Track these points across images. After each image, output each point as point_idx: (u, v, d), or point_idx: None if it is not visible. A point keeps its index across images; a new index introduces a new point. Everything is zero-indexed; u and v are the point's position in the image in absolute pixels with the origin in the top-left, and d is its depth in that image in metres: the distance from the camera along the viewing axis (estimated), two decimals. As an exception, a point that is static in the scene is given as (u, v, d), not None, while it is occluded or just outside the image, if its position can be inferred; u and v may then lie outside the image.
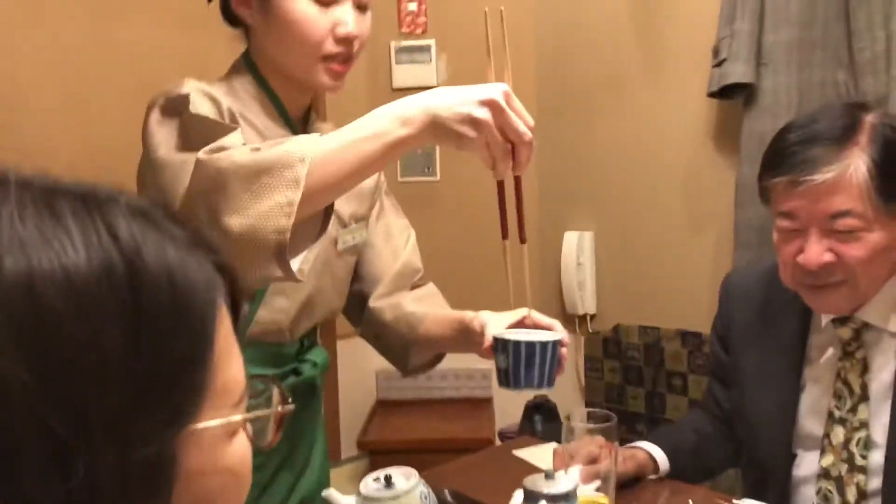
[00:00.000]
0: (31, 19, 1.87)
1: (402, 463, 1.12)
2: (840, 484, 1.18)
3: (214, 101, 1.03)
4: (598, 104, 2.38)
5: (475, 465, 1.41)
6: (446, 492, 1.17)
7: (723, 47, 1.96)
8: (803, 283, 1.18)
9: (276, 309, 1.14)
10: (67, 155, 1.85)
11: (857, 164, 1.10)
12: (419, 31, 2.55)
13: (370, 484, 1.05)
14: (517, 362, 1.03)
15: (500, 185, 0.99)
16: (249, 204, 0.86)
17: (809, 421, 1.24)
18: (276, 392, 0.53)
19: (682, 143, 2.21)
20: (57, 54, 1.90)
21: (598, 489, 1.11)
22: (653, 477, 1.31)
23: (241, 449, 0.48)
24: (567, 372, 2.53)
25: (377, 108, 0.91)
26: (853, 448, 1.18)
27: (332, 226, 1.18)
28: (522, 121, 0.90)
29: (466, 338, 1.14)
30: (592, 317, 2.46)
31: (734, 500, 1.21)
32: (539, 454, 1.39)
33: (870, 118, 1.14)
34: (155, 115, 1.02)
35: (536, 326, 1.10)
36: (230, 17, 1.14)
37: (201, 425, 0.44)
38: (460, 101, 0.89)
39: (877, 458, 1.16)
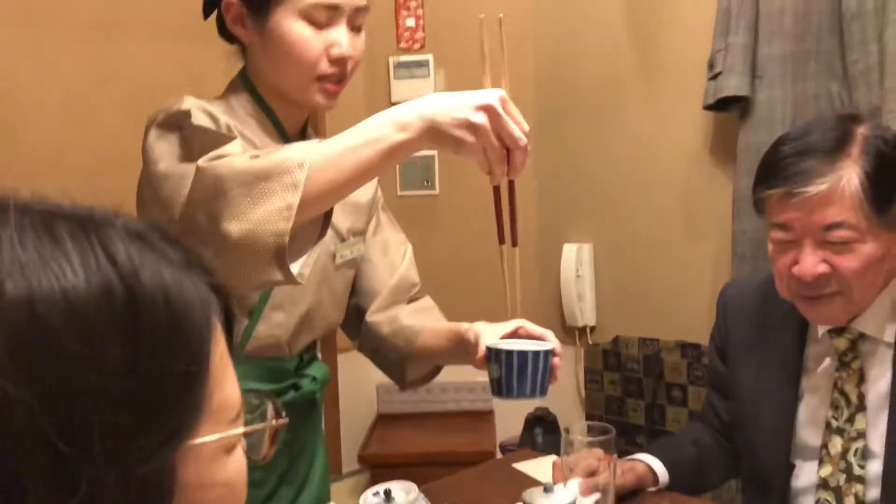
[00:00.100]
0: (30, 37, 1.89)
1: (403, 477, 1.12)
2: (839, 494, 1.19)
3: (213, 118, 1.05)
4: (595, 117, 2.40)
5: (475, 479, 1.41)
6: (446, 505, 1.18)
7: (717, 60, 1.98)
8: (799, 294, 1.19)
9: (275, 324, 1.14)
10: (67, 172, 1.87)
11: (849, 175, 1.11)
12: (417, 46, 2.57)
13: (370, 499, 1.06)
14: (509, 372, 1.04)
15: (497, 190, 1.01)
16: (249, 209, 0.87)
17: (807, 431, 1.24)
18: (270, 407, 0.54)
19: (679, 155, 2.22)
20: (56, 72, 1.92)
21: (597, 502, 1.11)
22: (652, 489, 1.31)
23: (238, 463, 0.49)
24: (567, 384, 2.54)
25: (375, 115, 0.93)
26: (851, 458, 1.18)
27: (330, 240, 1.19)
28: (518, 126, 0.91)
29: (462, 349, 1.15)
30: (592, 329, 2.47)
31: (733, 512, 1.21)
32: (539, 467, 1.40)
33: (861, 130, 1.15)
34: (154, 131, 1.03)
35: (530, 336, 1.11)
36: (227, 35, 1.15)
37: (199, 441, 0.45)
38: (457, 106, 0.90)
39: (875, 467, 1.17)
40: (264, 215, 0.86)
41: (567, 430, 1.16)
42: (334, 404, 2.51)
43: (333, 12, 1.07)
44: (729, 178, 2.07)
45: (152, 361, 0.42)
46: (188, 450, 0.44)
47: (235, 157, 0.92)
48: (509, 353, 1.05)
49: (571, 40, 2.43)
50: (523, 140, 0.92)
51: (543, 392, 1.07)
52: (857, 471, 1.18)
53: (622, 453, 1.30)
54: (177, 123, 1.02)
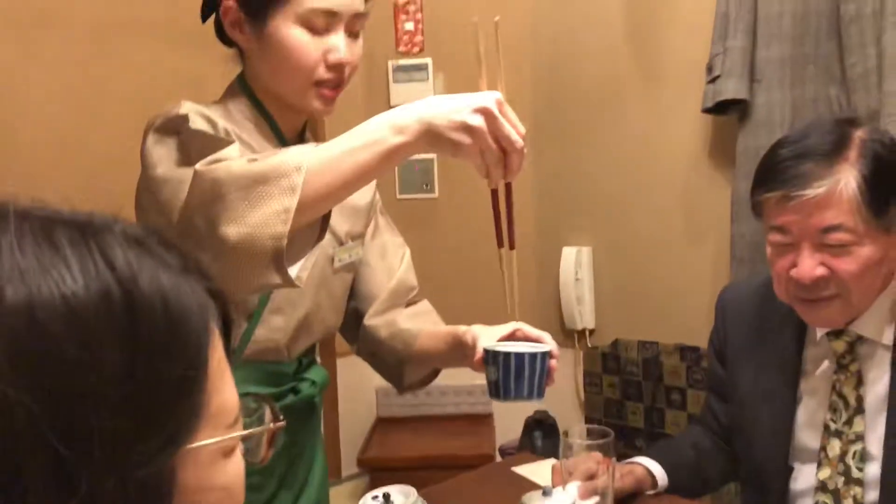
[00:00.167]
0: (31, 38, 1.89)
1: (403, 480, 1.12)
2: (837, 497, 1.19)
3: (210, 122, 1.05)
4: (595, 120, 2.40)
5: (474, 482, 1.41)
6: (445, 509, 1.18)
7: (716, 64, 1.98)
8: (797, 297, 1.19)
9: (274, 327, 1.15)
10: (67, 172, 1.87)
11: (846, 178, 1.11)
12: (416, 50, 2.57)
13: (369, 502, 1.06)
14: (507, 373, 1.05)
15: (494, 193, 1.01)
16: (246, 213, 0.87)
17: (806, 434, 1.24)
18: (268, 410, 0.54)
19: (679, 158, 2.23)
20: (57, 73, 1.92)
21: (595, 505, 1.11)
22: (651, 492, 1.31)
23: (236, 467, 0.49)
24: (566, 387, 2.54)
25: (373, 118, 0.93)
26: (849, 461, 1.19)
27: (329, 244, 1.19)
28: (514, 129, 0.92)
29: (460, 351, 1.15)
30: (591, 332, 2.47)
31: (732, 515, 1.22)
32: (538, 470, 1.40)
33: (859, 134, 1.15)
34: (152, 136, 1.03)
35: (527, 339, 1.12)
36: (225, 38, 1.16)
37: (198, 444, 0.45)
38: (454, 108, 0.90)
39: (873, 470, 1.17)
40: (262, 219, 0.86)
41: (566, 434, 1.16)
42: (334, 408, 2.51)
43: (332, 18, 1.08)
44: (728, 181, 2.08)
45: (151, 366, 0.42)
46: (187, 453, 0.45)
47: (233, 160, 0.92)
48: (506, 355, 1.05)
49: (570, 43, 2.43)
50: (519, 143, 0.92)
51: (541, 394, 1.07)
52: (855, 473, 1.18)
53: (622, 456, 1.30)
54: (174, 128, 1.03)
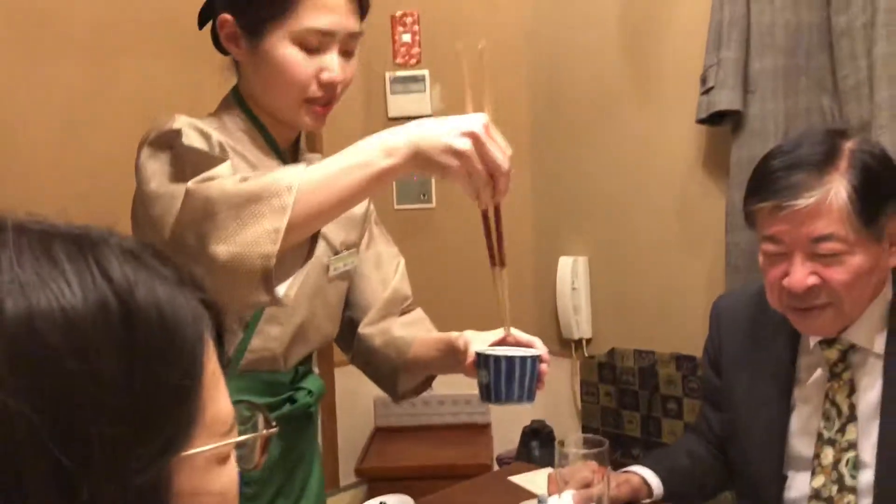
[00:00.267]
0: (30, 45, 1.90)
1: (400, 490, 1.13)
2: (831, 505, 1.20)
3: (205, 135, 1.06)
4: (590, 132, 2.41)
5: (471, 492, 1.42)
6: (441, 518, 1.18)
7: (710, 75, 1.99)
8: (790, 306, 1.20)
9: (270, 337, 1.15)
10: (66, 176, 1.87)
11: (837, 188, 1.13)
12: (413, 61, 2.59)
13: (365, 511, 1.07)
14: (498, 377, 1.07)
15: (485, 214, 1.02)
16: (237, 232, 0.88)
17: (799, 442, 1.25)
18: (261, 418, 0.55)
19: (673, 168, 2.24)
20: (56, 79, 1.93)
21: (590, 513, 1.12)
22: (647, 501, 1.31)
23: (230, 473, 0.50)
24: (563, 396, 2.54)
25: (365, 138, 0.95)
26: (843, 469, 1.19)
27: (324, 253, 1.20)
28: (501, 151, 0.93)
29: (452, 357, 1.17)
30: (588, 341, 2.47)
31: (727, 523, 1.22)
32: (535, 480, 1.40)
33: (849, 145, 1.17)
34: (146, 150, 1.05)
35: (518, 344, 1.14)
36: (221, 47, 1.17)
37: (194, 451, 0.47)
38: (442, 132, 0.92)
39: (866, 477, 1.18)
40: (252, 238, 0.88)
41: (561, 443, 1.17)
42: (331, 417, 2.51)
43: (326, 38, 1.09)
44: (722, 191, 2.09)
45: (148, 374, 0.44)
46: (183, 460, 0.46)
47: (225, 179, 0.93)
48: (497, 358, 1.07)
49: (565, 55, 2.45)
50: (506, 165, 0.93)
51: (531, 397, 1.09)
52: (848, 481, 1.19)
53: (619, 465, 1.31)
54: (168, 142, 1.04)
